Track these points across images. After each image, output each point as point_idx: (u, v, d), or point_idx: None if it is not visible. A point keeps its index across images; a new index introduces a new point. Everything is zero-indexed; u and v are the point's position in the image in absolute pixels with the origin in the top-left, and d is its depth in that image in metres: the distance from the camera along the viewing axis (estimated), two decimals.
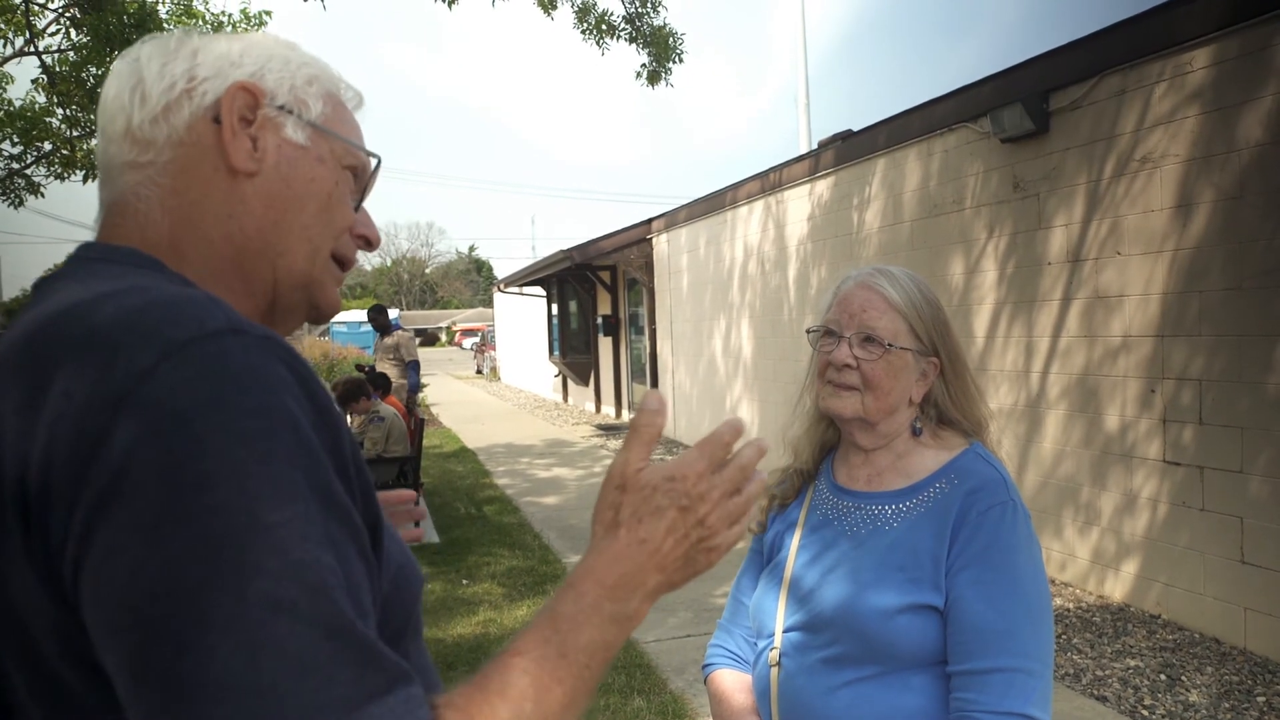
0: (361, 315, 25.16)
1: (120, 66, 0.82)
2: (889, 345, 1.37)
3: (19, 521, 0.60)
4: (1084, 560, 5.36)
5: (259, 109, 0.80)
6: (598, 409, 16.52)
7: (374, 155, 0.90)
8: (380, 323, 9.34)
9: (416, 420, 7.98)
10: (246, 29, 9.68)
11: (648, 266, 13.07)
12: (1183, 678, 4.12)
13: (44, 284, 0.76)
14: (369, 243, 0.90)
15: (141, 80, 0.79)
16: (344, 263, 0.88)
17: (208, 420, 0.57)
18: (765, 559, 1.53)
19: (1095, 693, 4.03)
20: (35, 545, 0.59)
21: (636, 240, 13.17)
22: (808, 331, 1.49)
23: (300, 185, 0.82)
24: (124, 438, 0.57)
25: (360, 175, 0.89)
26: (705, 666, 1.56)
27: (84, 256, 0.77)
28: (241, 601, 0.54)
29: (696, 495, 0.75)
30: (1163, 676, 4.14)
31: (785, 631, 1.40)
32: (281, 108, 0.81)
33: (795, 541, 1.46)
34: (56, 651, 0.60)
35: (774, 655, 1.40)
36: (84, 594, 0.57)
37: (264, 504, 0.56)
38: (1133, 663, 4.30)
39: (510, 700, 0.63)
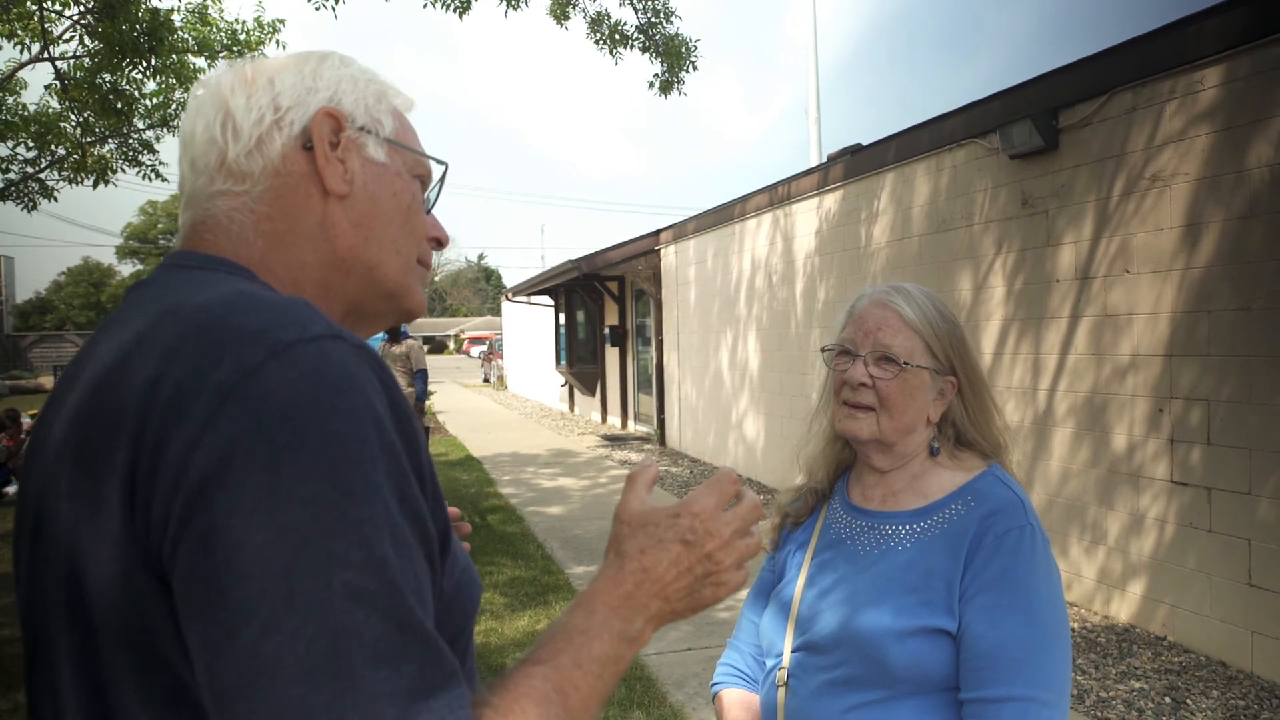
0: None
1: (202, 102, 0.84)
2: (905, 364, 1.35)
3: (125, 502, 0.63)
4: (1090, 580, 5.32)
5: (342, 132, 0.84)
6: (604, 419, 16.51)
7: (442, 163, 0.94)
8: (396, 329, 9.40)
9: (423, 428, 7.99)
10: (261, 38, 9.75)
11: (655, 278, 13.08)
12: (1188, 701, 4.09)
13: (140, 287, 0.79)
14: (440, 243, 0.94)
15: (230, 115, 0.81)
16: (425, 264, 0.92)
17: (307, 417, 0.61)
18: (777, 577, 1.51)
19: (1099, 714, 3.99)
20: (139, 525, 0.63)
21: (644, 251, 13.18)
22: (822, 350, 1.47)
23: (386, 202, 0.85)
24: (229, 427, 0.60)
25: (426, 181, 0.93)
26: (714, 685, 1.54)
27: (179, 263, 0.80)
28: (326, 590, 0.57)
29: (704, 531, 0.79)
30: (1168, 699, 4.11)
31: (794, 651, 1.38)
32: (362, 129, 0.85)
33: (807, 560, 1.44)
34: (159, 630, 0.63)
35: (782, 675, 1.38)
36: (178, 570, 0.60)
37: (352, 500, 0.60)
38: (1137, 684, 4.27)
39: (537, 702, 0.68)
